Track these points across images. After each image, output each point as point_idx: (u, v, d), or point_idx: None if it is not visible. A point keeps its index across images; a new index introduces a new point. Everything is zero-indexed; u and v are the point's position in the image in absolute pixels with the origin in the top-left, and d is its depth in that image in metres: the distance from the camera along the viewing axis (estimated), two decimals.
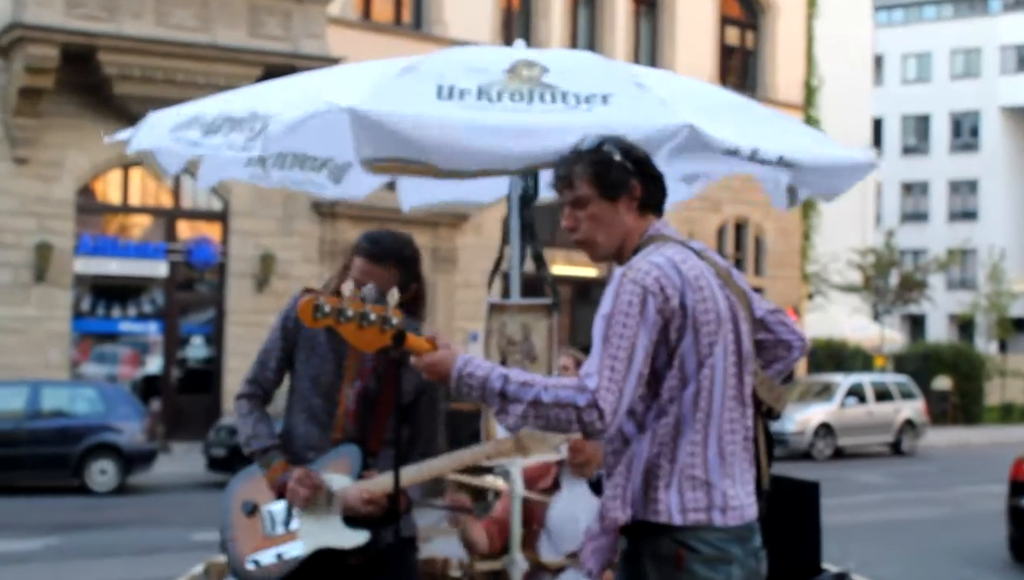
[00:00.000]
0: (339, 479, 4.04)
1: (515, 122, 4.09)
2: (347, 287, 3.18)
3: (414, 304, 4.15)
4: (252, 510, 4.15)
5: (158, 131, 4.56)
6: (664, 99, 4.32)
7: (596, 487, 4.81)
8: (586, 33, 29.27)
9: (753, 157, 4.24)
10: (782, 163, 4.34)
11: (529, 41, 5.07)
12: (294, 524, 4.06)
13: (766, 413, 3.37)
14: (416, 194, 5.98)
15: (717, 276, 3.22)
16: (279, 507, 4.10)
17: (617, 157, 3.26)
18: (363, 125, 3.97)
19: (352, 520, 4.02)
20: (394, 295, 3.20)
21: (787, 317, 3.52)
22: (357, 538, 4.02)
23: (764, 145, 4.31)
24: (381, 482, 3.99)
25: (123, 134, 4.93)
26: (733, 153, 4.19)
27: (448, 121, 4.05)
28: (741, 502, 3.15)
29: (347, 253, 4.22)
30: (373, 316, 3.15)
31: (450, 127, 4.04)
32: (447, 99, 4.12)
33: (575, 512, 4.83)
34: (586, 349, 3.49)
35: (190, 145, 4.34)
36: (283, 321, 4.22)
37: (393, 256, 4.09)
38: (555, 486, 4.96)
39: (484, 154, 4.05)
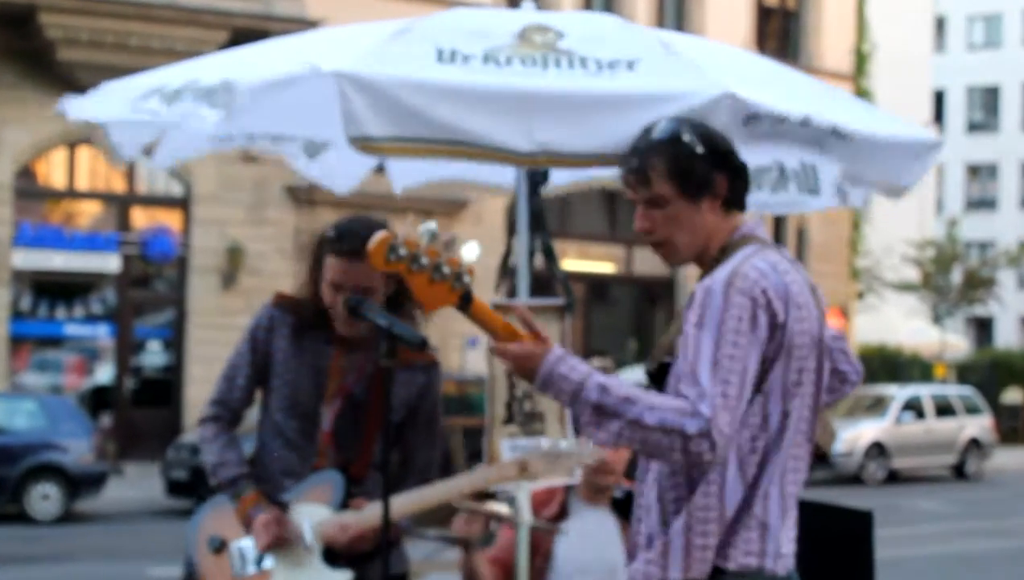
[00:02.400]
0: (318, 510, 4.04)
1: (528, 87, 4.11)
2: (427, 229, 3.14)
3: (399, 298, 4.13)
4: (219, 547, 4.14)
5: (112, 101, 4.56)
6: (698, 64, 4.35)
7: (622, 506, 4.81)
8: None
9: (805, 125, 4.26)
10: (836, 134, 4.37)
11: (539, 2, 5.08)
12: (267, 563, 4.06)
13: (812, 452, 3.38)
14: (410, 173, 5.97)
15: (812, 292, 3.23)
16: (250, 543, 4.09)
17: (700, 149, 3.22)
18: (352, 95, 3.98)
19: (334, 556, 4.02)
20: (473, 249, 3.18)
21: (847, 345, 3.56)
22: (338, 579, 4.02)
23: (816, 112, 4.34)
24: (366, 515, 3.98)
25: (73, 105, 4.92)
26: (780, 122, 4.21)
27: (450, 87, 4.07)
28: (788, 550, 3.18)
29: (313, 248, 4.19)
30: (447, 269, 3.11)
31: (453, 94, 4.06)
32: (449, 63, 4.15)
33: (585, 545, 4.82)
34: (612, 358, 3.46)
35: (151, 115, 4.33)
36: (252, 331, 4.21)
37: None
38: (562, 514, 4.96)
39: (492, 128, 4.07)
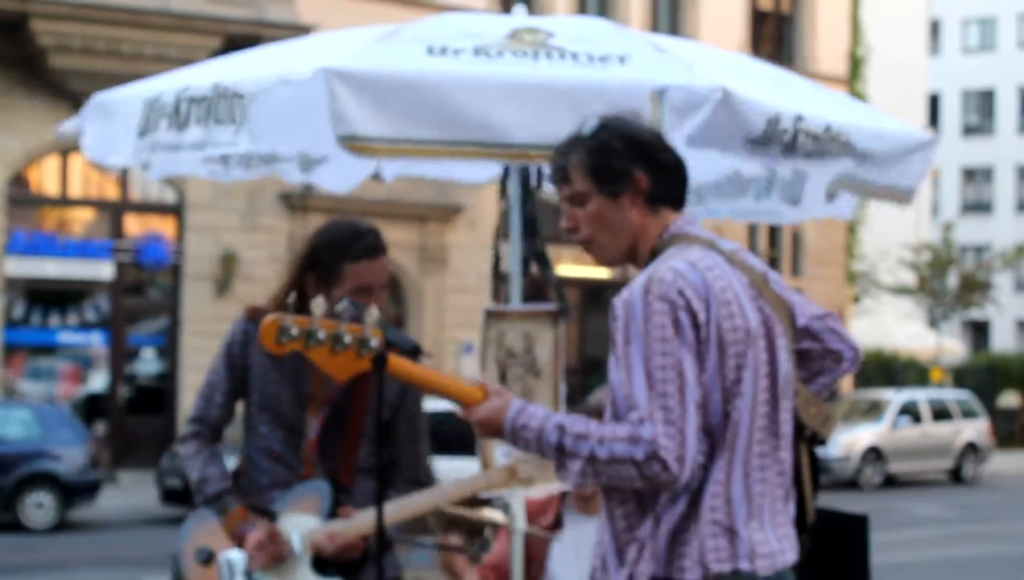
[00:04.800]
0: (306, 520, 4.03)
1: (520, 76, 4.11)
2: (317, 304, 3.15)
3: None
4: (207, 558, 4.13)
5: (121, 135, 4.53)
6: (690, 63, 4.36)
7: None
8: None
9: (797, 124, 4.26)
10: (829, 135, 4.37)
11: (531, 7, 5.11)
12: (256, 574, 4.05)
13: (811, 438, 3.34)
14: (402, 165, 5.97)
15: (751, 285, 3.17)
16: (238, 555, 4.08)
17: (617, 144, 3.19)
18: (341, 92, 3.98)
19: (324, 565, 4.02)
20: (373, 313, 3.17)
21: (837, 322, 3.46)
22: None
23: (809, 111, 4.34)
24: (355, 523, 3.98)
25: (70, 124, 4.91)
26: (774, 122, 4.21)
27: (440, 77, 4.08)
28: (772, 548, 3.12)
29: (299, 257, 4.15)
30: (348, 338, 3.11)
31: (443, 84, 4.06)
32: (439, 55, 4.15)
33: (580, 554, 4.82)
34: None
35: (170, 149, 4.34)
36: (227, 347, 4.20)
37: (383, 241, 4.08)
38: (557, 524, 4.96)
39: (483, 121, 4.07)
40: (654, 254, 3.21)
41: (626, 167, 3.19)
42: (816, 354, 3.42)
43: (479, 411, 3.11)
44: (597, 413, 3.35)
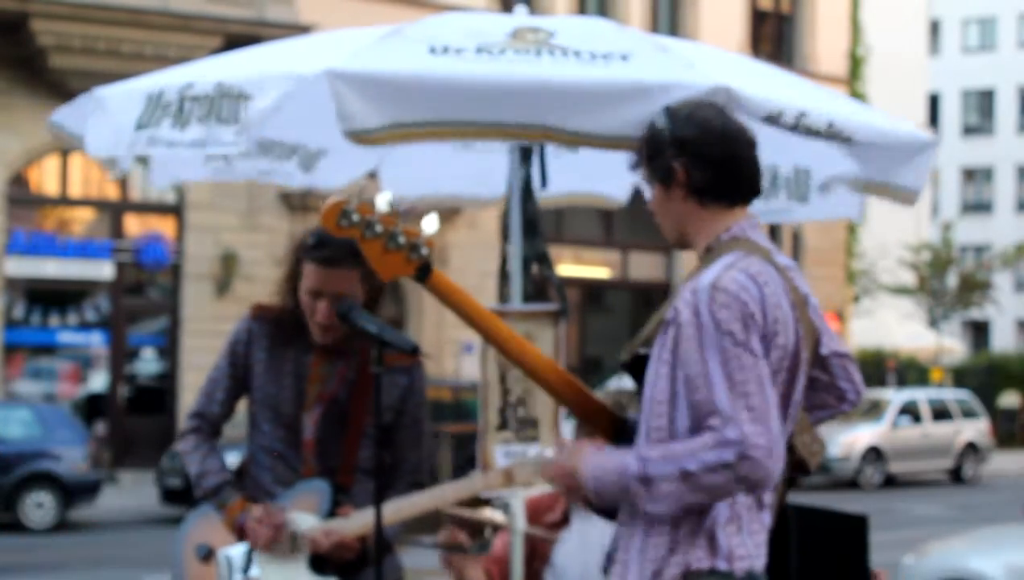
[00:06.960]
0: (306, 519, 4.03)
1: (522, 74, 4.14)
2: (383, 198, 3.15)
3: (373, 300, 4.12)
4: (207, 555, 4.14)
5: (118, 127, 4.53)
6: (691, 62, 4.37)
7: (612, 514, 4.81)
8: None
9: (798, 122, 4.27)
10: (832, 131, 4.38)
11: (531, 7, 5.12)
12: (254, 571, 4.06)
13: (796, 465, 3.35)
14: (402, 187, 5.99)
15: (793, 306, 3.19)
16: (237, 552, 4.09)
17: (664, 136, 3.22)
18: (344, 91, 3.99)
19: (321, 565, 4.02)
20: (433, 221, 3.18)
21: (852, 364, 3.48)
22: None
23: (812, 108, 4.35)
24: (353, 522, 3.98)
25: (62, 114, 4.91)
26: (776, 119, 4.22)
27: (444, 75, 4.10)
28: (749, 552, 3.17)
29: (291, 255, 4.18)
30: (402, 239, 3.12)
31: (446, 81, 4.09)
32: (441, 54, 4.16)
33: (588, 549, 4.82)
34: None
35: (167, 146, 4.34)
36: (231, 345, 4.22)
37: (351, 255, 3.94)
38: (564, 520, 4.96)
39: (487, 110, 4.09)
40: (708, 252, 3.23)
41: (668, 159, 3.22)
42: (821, 385, 3.46)
43: (553, 471, 3.20)
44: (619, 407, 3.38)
